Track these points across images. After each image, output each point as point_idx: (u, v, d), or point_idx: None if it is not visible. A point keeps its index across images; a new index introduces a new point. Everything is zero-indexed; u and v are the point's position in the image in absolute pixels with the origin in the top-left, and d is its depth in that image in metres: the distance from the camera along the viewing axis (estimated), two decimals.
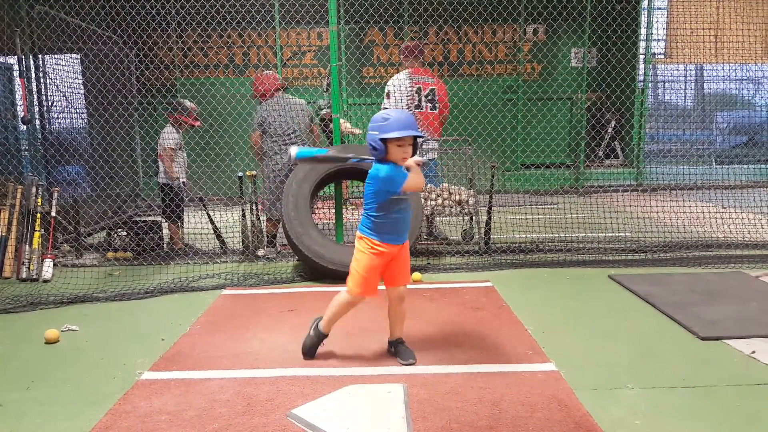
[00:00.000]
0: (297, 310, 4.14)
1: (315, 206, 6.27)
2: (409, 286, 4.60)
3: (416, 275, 4.88)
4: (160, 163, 6.09)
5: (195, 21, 9.06)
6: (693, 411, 2.63)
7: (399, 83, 5.94)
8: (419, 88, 5.92)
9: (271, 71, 6.05)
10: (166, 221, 6.15)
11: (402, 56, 6.20)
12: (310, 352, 3.26)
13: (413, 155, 3.02)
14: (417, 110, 5.86)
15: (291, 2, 8.88)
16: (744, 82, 11.39)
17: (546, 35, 11.20)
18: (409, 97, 5.88)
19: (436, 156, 6.10)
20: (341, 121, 5.48)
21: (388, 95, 5.94)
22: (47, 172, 6.54)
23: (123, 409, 2.72)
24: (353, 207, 7.64)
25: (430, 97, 5.94)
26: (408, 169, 2.98)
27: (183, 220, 6.21)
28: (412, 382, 2.93)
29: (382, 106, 5.94)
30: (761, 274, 4.76)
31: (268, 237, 5.84)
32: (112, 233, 6.12)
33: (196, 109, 6.21)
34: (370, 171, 3.04)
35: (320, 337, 3.27)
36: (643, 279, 4.68)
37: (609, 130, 11.16)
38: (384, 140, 2.91)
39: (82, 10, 6.15)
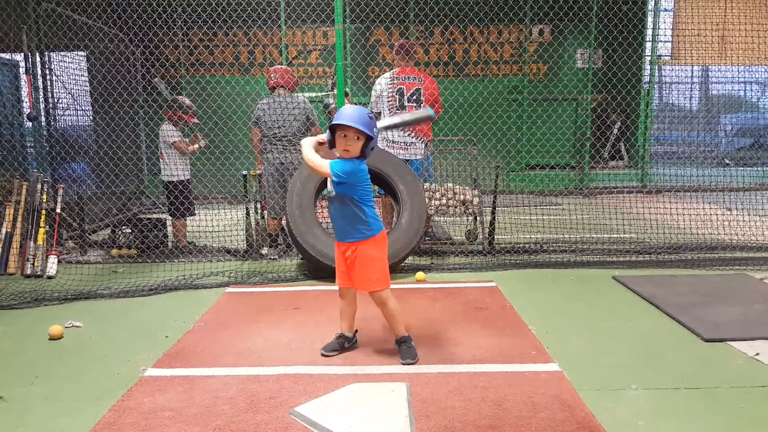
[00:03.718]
0: (301, 308, 4.15)
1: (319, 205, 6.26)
2: (413, 286, 4.64)
3: (420, 275, 4.88)
4: (162, 161, 6.11)
5: (201, 19, 9.07)
6: (696, 412, 2.62)
7: (381, 86, 5.92)
8: (401, 89, 5.84)
9: (280, 66, 6.00)
10: (173, 218, 6.16)
11: (395, 55, 6.14)
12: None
13: (364, 151, 3.05)
14: (400, 111, 5.79)
15: (297, 1, 8.89)
16: (750, 84, 11.36)
17: (552, 36, 11.19)
18: (390, 99, 5.85)
19: (419, 156, 5.97)
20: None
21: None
22: (52, 168, 6.56)
23: (126, 406, 2.73)
24: None
25: (415, 98, 5.88)
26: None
27: (194, 215, 6.23)
28: (416, 380, 2.93)
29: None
30: (765, 277, 4.75)
31: (270, 236, 5.83)
32: (117, 230, 6.14)
33: (193, 106, 6.22)
34: None
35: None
36: (647, 280, 4.67)
37: (614, 132, 11.15)
38: (333, 132, 3.03)
39: (88, 7, 6.17)
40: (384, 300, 3.20)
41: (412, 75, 5.92)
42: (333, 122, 2.99)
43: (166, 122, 6.12)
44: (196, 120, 6.27)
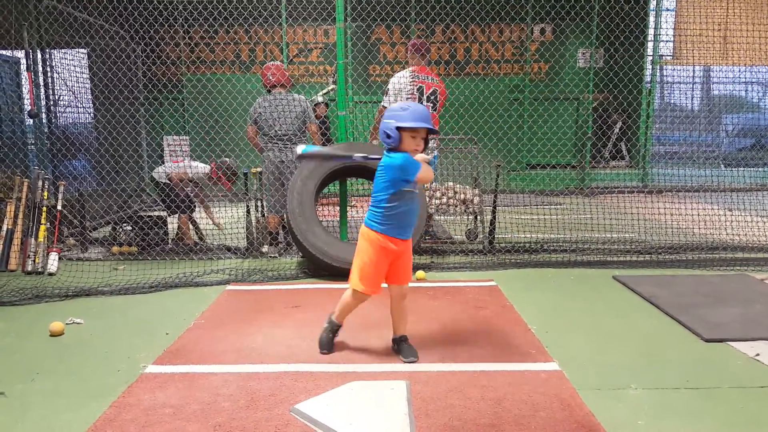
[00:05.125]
0: (301, 306, 4.15)
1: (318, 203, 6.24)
2: (413, 285, 4.64)
3: (420, 273, 4.88)
4: (167, 163, 6.10)
5: (202, 17, 9.07)
6: (696, 412, 2.62)
7: (401, 81, 5.78)
8: (421, 88, 5.80)
9: (275, 63, 5.98)
10: (172, 215, 6.16)
11: (408, 53, 6.08)
12: (327, 345, 3.28)
13: (423, 150, 3.04)
14: None
15: None
16: (752, 84, 11.34)
17: (553, 35, 11.18)
18: (409, 96, 5.78)
19: (436, 154, 6.02)
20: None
21: (386, 92, 5.80)
22: (53, 165, 6.57)
23: (127, 402, 2.73)
24: (351, 205, 7.61)
25: (432, 98, 5.85)
26: None
27: (192, 211, 6.23)
28: (415, 379, 2.93)
29: (381, 104, 5.86)
30: (766, 277, 4.75)
31: (270, 234, 5.82)
32: (118, 228, 6.14)
33: (237, 172, 6.18)
34: (382, 160, 3.02)
35: (334, 327, 3.30)
36: (647, 280, 4.67)
37: (615, 131, 11.14)
38: (399, 129, 2.92)
39: (89, 4, 6.17)
40: (408, 292, 3.24)
41: (429, 75, 5.86)
42: (412, 124, 2.89)
43: (208, 167, 6.13)
44: (231, 188, 6.23)
